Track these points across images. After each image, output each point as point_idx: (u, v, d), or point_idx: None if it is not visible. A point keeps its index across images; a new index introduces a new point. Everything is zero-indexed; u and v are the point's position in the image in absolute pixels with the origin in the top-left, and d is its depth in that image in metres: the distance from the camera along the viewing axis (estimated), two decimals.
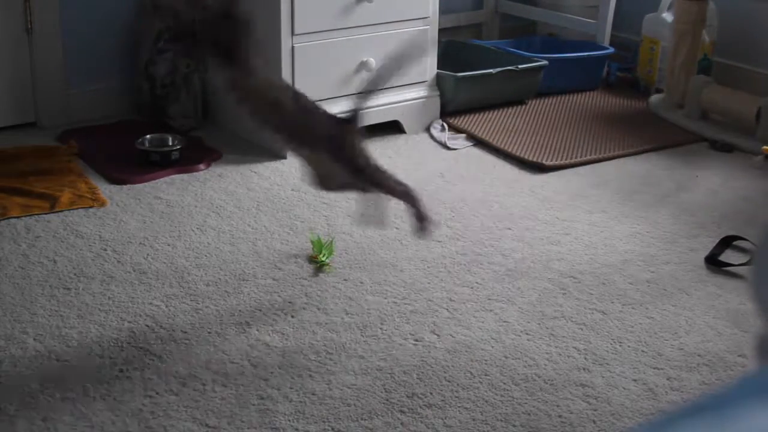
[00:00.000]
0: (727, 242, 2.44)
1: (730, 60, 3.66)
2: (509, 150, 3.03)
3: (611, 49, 3.67)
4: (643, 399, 1.82)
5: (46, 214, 2.51)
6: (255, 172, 2.83)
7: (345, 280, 2.23)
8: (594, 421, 1.75)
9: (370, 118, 3.11)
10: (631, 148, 3.11)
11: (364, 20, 2.99)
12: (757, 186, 2.87)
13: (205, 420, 1.71)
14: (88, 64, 3.17)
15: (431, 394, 1.81)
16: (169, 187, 2.71)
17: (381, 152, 3.03)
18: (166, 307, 2.09)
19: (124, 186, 2.70)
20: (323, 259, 2.28)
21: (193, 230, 2.45)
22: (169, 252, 2.33)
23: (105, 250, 2.33)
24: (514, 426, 1.73)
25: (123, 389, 1.79)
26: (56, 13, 3.06)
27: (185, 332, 1.99)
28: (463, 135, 3.18)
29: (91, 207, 2.56)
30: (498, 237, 2.47)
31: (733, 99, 3.23)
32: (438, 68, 3.25)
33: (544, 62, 3.42)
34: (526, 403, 1.79)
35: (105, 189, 2.68)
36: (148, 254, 2.31)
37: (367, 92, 2.04)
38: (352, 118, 2.00)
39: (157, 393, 1.78)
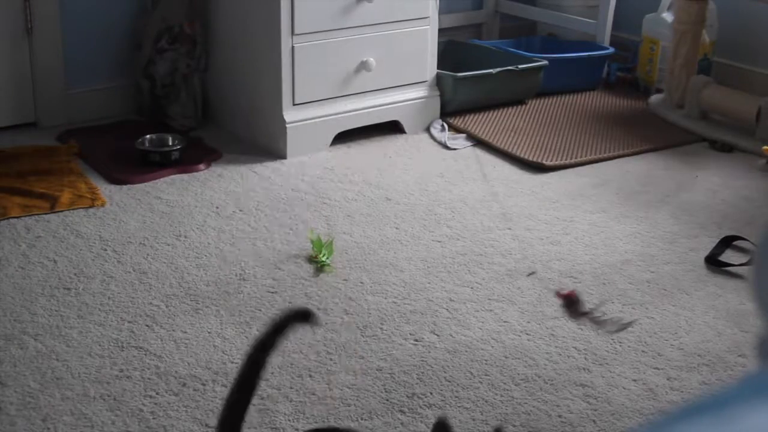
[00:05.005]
0: (727, 242, 2.44)
1: (730, 60, 3.66)
2: (509, 150, 3.03)
3: (611, 49, 3.67)
4: (643, 399, 1.82)
5: (46, 214, 2.51)
6: (255, 172, 2.83)
7: (345, 280, 2.23)
8: (594, 421, 1.75)
9: (370, 118, 3.11)
10: (631, 148, 3.11)
11: (364, 20, 2.99)
12: (757, 186, 2.87)
13: (205, 420, 1.71)
14: (88, 64, 3.17)
15: (431, 394, 1.81)
16: (169, 187, 2.71)
17: (381, 152, 3.03)
18: (166, 307, 2.09)
19: (124, 186, 2.70)
20: (323, 259, 2.28)
21: (193, 230, 2.45)
22: (169, 252, 2.33)
23: (105, 250, 2.33)
24: (514, 426, 1.73)
25: (123, 389, 1.79)
26: (56, 13, 3.06)
27: (185, 332, 1.99)
28: (463, 135, 3.18)
29: (91, 207, 2.56)
30: (498, 237, 2.47)
31: (733, 99, 3.23)
32: (438, 68, 3.25)
33: (544, 62, 3.42)
34: (526, 403, 1.79)
35: (105, 189, 2.68)
36: (148, 254, 2.31)
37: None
38: None
39: (157, 393, 1.78)
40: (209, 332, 1.99)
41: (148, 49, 3.10)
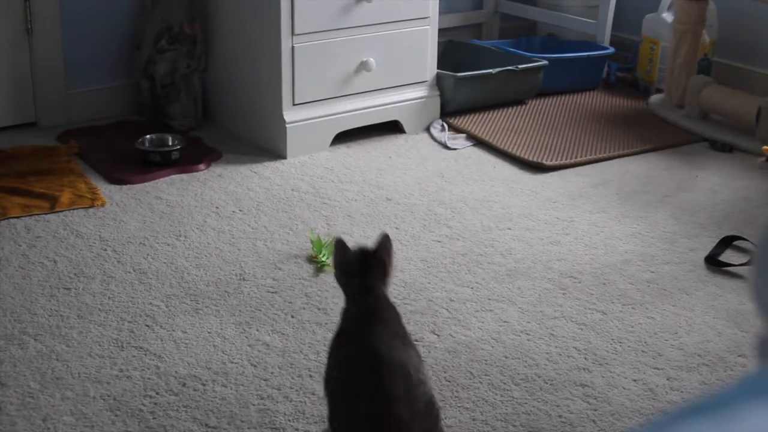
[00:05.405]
0: (727, 242, 2.44)
1: (730, 60, 3.66)
2: (509, 150, 3.03)
3: (611, 49, 3.67)
4: (643, 399, 1.82)
5: (46, 214, 2.51)
6: (255, 172, 2.83)
7: None
8: (594, 421, 1.75)
9: (370, 118, 3.11)
10: (631, 148, 3.11)
11: (364, 20, 2.99)
12: (757, 186, 2.87)
13: (205, 420, 1.71)
14: (88, 64, 3.17)
15: None
16: (169, 187, 2.71)
17: (381, 152, 3.03)
18: (166, 307, 2.09)
19: (124, 186, 2.70)
20: (323, 259, 2.28)
21: (193, 230, 2.45)
22: (169, 252, 2.33)
23: (105, 250, 2.33)
24: (514, 426, 1.73)
25: (123, 389, 1.79)
26: (56, 13, 3.07)
27: (185, 332, 1.99)
28: (463, 135, 3.18)
29: (91, 207, 2.56)
30: (498, 237, 2.47)
31: (733, 99, 3.23)
32: (438, 68, 3.25)
33: (544, 62, 3.42)
34: (526, 403, 1.79)
35: (105, 189, 2.68)
36: (148, 254, 2.31)
37: None
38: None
39: (157, 393, 1.78)
40: (209, 332, 1.99)
41: (148, 49, 3.10)
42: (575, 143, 3.12)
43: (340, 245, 1.63)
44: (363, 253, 1.62)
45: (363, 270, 1.60)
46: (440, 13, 3.25)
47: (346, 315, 1.61)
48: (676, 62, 3.40)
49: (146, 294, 2.13)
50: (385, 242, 1.63)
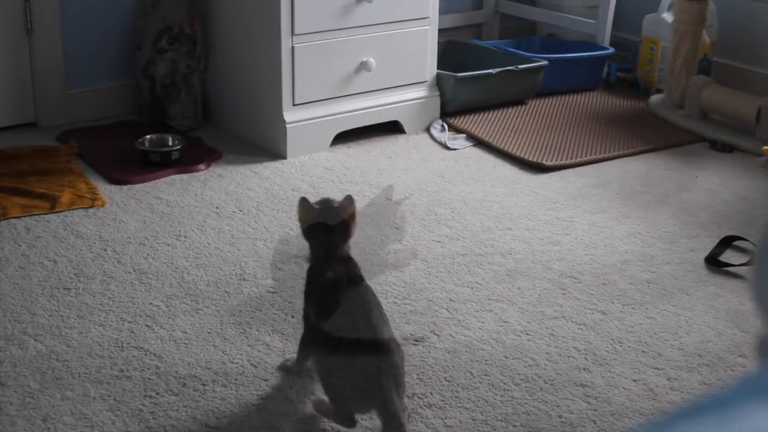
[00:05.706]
0: (727, 242, 2.44)
1: (730, 60, 3.66)
2: (509, 150, 3.03)
3: (611, 49, 3.67)
4: (643, 399, 1.82)
5: (46, 214, 2.51)
6: (255, 172, 2.83)
7: None
8: (594, 421, 1.75)
9: (370, 118, 3.11)
10: (631, 148, 3.11)
11: (364, 20, 2.99)
12: (757, 186, 2.87)
13: (205, 420, 1.71)
14: (88, 64, 3.17)
15: (431, 394, 1.81)
16: (169, 187, 2.71)
17: (381, 152, 3.03)
18: (166, 307, 2.09)
19: (124, 186, 2.70)
20: None
21: (193, 230, 2.45)
22: (169, 252, 2.33)
23: (105, 250, 2.33)
24: (514, 426, 1.73)
25: (123, 389, 1.79)
26: (56, 13, 3.07)
27: (185, 332, 1.99)
28: (463, 135, 3.18)
29: (91, 207, 2.56)
30: (498, 237, 2.47)
31: (733, 99, 3.23)
32: (438, 68, 3.25)
33: (544, 62, 3.42)
34: (526, 403, 1.79)
35: (105, 189, 2.68)
36: (148, 254, 2.31)
37: None
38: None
39: (157, 393, 1.78)
40: (209, 332, 1.99)
41: (148, 49, 3.10)
42: (575, 143, 3.12)
43: (303, 204, 1.75)
44: (326, 214, 1.74)
45: (326, 231, 1.73)
46: (440, 13, 3.25)
47: (314, 258, 1.77)
48: (676, 62, 3.40)
49: (146, 294, 2.13)
50: (347, 204, 1.75)
